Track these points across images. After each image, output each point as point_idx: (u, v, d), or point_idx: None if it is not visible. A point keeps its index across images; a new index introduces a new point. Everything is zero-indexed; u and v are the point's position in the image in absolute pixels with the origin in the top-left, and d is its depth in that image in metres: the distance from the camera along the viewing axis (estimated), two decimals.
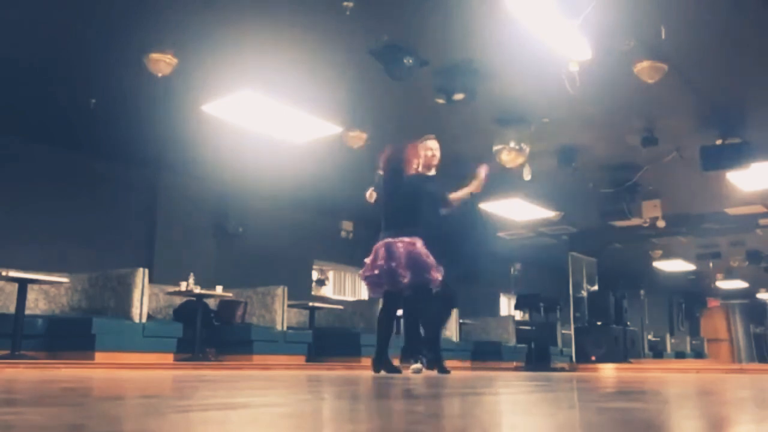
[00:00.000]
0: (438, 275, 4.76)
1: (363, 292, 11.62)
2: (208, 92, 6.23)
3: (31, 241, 7.32)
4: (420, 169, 5.19)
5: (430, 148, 5.31)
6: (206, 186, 9.04)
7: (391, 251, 4.74)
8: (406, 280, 4.70)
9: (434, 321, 5.25)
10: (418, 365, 5.03)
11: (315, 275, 11.02)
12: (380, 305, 5.17)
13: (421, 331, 5.12)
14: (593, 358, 10.91)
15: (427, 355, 5.06)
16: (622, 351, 11.12)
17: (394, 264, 4.70)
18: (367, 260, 4.93)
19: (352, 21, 4.85)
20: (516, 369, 9.05)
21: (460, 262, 5.22)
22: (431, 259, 4.74)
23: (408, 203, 4.90)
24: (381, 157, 5.15)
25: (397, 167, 4.99)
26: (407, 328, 5.21)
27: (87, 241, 7.82)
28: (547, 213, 10.34)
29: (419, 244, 4.76)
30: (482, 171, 5.17)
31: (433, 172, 5.34)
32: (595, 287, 12.92)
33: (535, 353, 9.88)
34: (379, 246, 4.83)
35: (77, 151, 7.87)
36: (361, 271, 5.02)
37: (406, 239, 4.77)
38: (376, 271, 4.78)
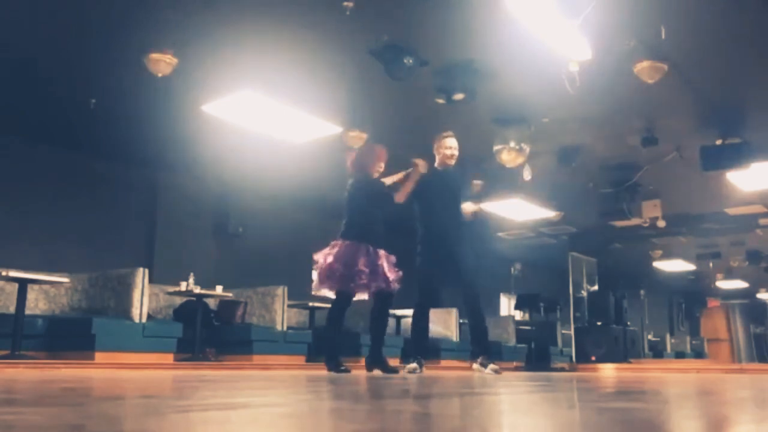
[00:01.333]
0: (395, 279, 4.87)
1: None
2: (208, 92, 6.23)
3: (31, 241, 7.32)
4: (436, 166, 5.31)
5: (450, 147, 5.32)
6: (206, 186, 9.04)
7: (355, 255, 4.91)
8: (366, 285, 4.89)
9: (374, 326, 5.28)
10: (413, 365, 5.04)
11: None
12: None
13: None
14: (593, 358, 10.91)
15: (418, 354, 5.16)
16: (622, 351, 11.11)
17: (343, 266, 4.89)
18: (324, 255, 5.08)
19: (352, 21, 4.85)
20: (516, 369, 9.05)
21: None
22: (350, 268, 4.83)
23: (355, 207, 5.04)
24: (349, 160, 5.23)
25: (361, 171, 5.10)
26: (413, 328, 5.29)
27: (87, 241, 7.82)
28: (547, 213, 10.34)
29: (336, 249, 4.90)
30: (420, 165, 5.18)
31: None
32: (595, 287, 12.92)
33: (535, 353, 9.87)
34: (344, 246, 4.96)
35: (77, 151, 7.87)
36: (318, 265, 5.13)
37: (353, 243, 4.92)
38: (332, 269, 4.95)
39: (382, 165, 5.15)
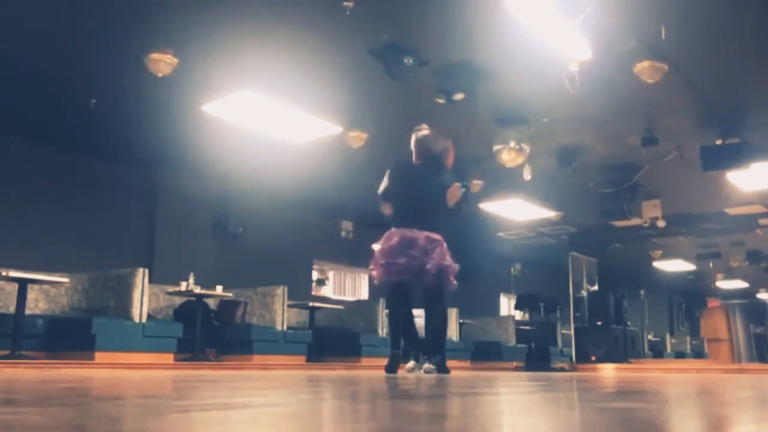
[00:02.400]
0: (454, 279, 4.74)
1: (363, 292, 11.63)
2: (208, 92, 6.23)
3: (31, 241, 7.32)
4: (414, 159, 5.18)
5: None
6: (206, 186, 9.04)
7: (417, 243, 4.66)
8: (429, 277, 4.63)
9: (445, 322, 5.25)
10: (411, 364, 5.02)
11: (315, 275, 11.02)
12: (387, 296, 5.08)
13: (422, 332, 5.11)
14: (593, 358, 10.91)
15: (434, 355, 5.06)
16: (622, 351, 11.12)
17: (418, 255, 4.62)
18: (383, 244, 4.79)
19: (352, 21, 4.85)
20: (516, 369, 9.05)
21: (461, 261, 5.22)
22: (452, 262, 4.73)
23: (438, 198, 4.85)
24: (426, 142, 5.05)
25: (439, 159, 4.96)
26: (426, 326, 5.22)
27: (87, 241, 7.82)
28: (547, 213, 10.34)
29: (445, 245, 4.74)
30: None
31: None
32: (595, 287, 12.92)
33: (535, 353, 9.89)
34: (408, 234, 4.70)
35: (77, 151, 7.87)
36: (378, 255, 4.78)
37: (435, 236, 4.73)
38: (401, 260, 4.65)
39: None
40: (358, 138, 7.02)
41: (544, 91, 6.18)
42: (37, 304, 6.87)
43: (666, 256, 14.35)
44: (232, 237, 9.29)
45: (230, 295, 7.55)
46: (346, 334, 8.62)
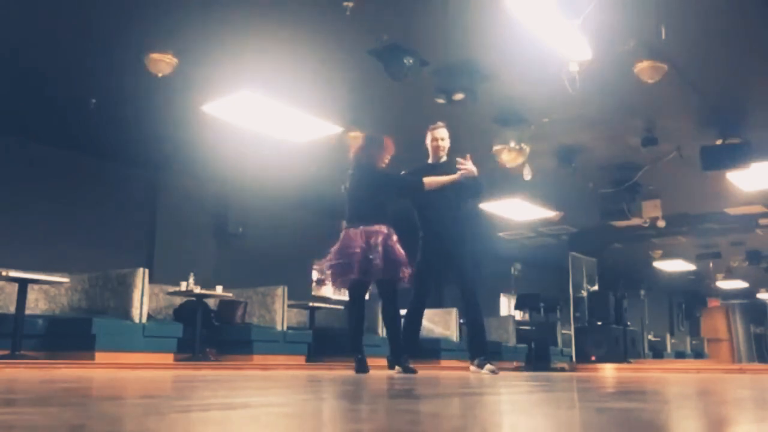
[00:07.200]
0: (408, 273, 4.81)
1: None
2: (208, 92, 6.23)
3: (31, 241, 7.32)
4: (430, 159, 5.23)
5: (436, 138, 5.24)
6: (206, 186, 9.04)
7: (369, 239, 4.74)
8: (380, 270, 4.71)
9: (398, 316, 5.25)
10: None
11: (315, 275, 11.01)
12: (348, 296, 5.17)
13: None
14: (593, 358, 10.91)
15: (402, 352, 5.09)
16: (622, 351, 11.10)
17: (370, 253, 4.70)
18: (335, 248, 4.89)
19: (352, 21, 4.85)
20: (516, 369, 9.05)
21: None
22: (404, 256, 4.79)
23: (379, 196, 4.90)
24: (353, 148, 5.17)
25: (367, 160, 4.99)
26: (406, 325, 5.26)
27: (87, 241, 7.82)
28: (547, 213, 10.34)
29: (395, 237, 4.81)
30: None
31: (443, 160, 5.27)
32: (595, 287, 12.91)
33: (535, 353, 9.88)
34: (355, 233, 4.78)
35: (77, 151, 7.87)
36: (325, 261, 4.92)
37: (384, 229, 4.79)
38: (347, 259, 4.74)
39: (389, 158, 5.07)
40: (358, 138, 7.02)
41: (544, 91, 6.18)
42: (37, 304, 6.86)
43: (666, 256, 14.35)
44: (232, 237, 9.29)
45: (230, 295, 7.55)
46: (346, 334, 8.60)
